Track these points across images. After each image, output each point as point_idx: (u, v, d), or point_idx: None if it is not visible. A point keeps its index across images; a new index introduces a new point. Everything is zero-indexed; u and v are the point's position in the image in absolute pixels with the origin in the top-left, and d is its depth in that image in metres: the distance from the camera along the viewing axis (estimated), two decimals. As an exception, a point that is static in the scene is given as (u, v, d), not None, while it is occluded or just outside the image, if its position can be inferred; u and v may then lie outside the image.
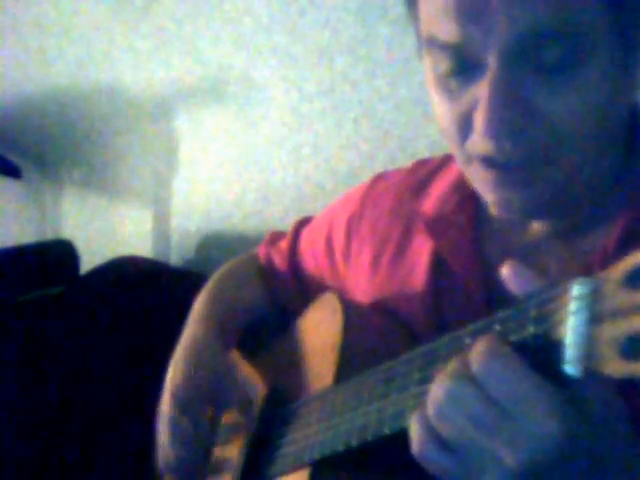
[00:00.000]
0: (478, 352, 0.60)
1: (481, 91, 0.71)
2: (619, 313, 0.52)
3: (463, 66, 0.72)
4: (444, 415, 0.61)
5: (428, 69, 0.77)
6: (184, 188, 1.92)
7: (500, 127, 0.71)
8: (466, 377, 0.60)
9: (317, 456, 0.81)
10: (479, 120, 0.71)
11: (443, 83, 0.75)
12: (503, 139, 0.71)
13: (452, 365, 0.62)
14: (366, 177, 1.07)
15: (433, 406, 0.62)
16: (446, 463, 0.62)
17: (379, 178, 1.04)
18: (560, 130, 0.71)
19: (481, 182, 0.77)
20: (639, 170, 0.80)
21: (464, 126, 0.74)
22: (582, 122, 0.72)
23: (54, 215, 2.19)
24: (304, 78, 1.66)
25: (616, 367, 0.52)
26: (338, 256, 1.04)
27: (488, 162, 0.74)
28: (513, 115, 0.71)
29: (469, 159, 0.76)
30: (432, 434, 0.62)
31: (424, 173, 0.98)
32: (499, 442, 0.59)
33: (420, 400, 0.65)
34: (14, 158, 2.10)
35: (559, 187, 0.75)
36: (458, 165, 0.81)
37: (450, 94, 0.75)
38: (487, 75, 0.70)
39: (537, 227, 0.83)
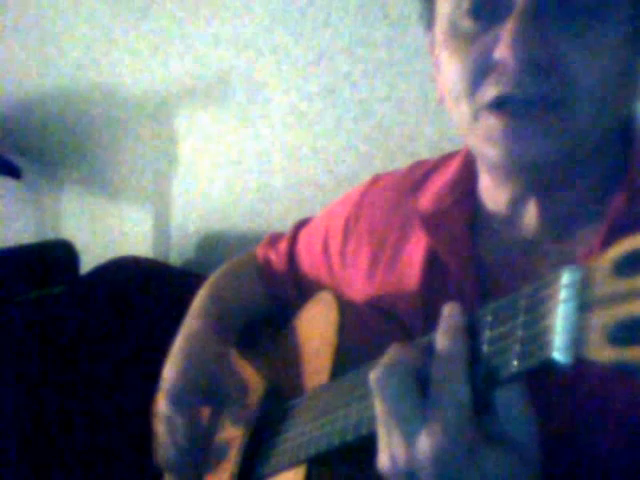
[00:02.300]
0: (441, 338, 0.65)
1: (507, 26, 0.72)
2: (608, 300, 0.53)
3: (488, 4, 0.74)
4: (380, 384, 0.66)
5: (442, 20, 0.79)
6: (184, 188, 1.92)
7: (523, 55, 0.71)
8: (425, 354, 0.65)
9: (313, 452, 0.82)
10: (504, 45, 0.72)
11: (459, 29, 0.76)
12: (525, 68, 0.72)
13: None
14: (366, 177, 1.07)
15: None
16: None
17: (376, 179, 1.05)
18: (576, 79, 0.72)
19: (488, 135, 0.76)
20: (626, 173, 0.81)
21: (480, 70, 0.75)
22: (597, 80, 0.73)
23: (54, 215, 2.19)
24: (304, 78, 1.66)
25: (605, 354, 0.52)
26: (335, 257, 1.04)
27: (502, 104, 0.74)
28: (536, 51, 0.72)
29: (477, 114, 0.76)
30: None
31: (421, 172, 0.98)
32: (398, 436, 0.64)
33: None
34: (14, 158, 2.10)
35: (564, 144, 0.75)
36: (463, 131, 0.80)
37: (465, 40, 0.76)
38: (514, 12, 0.72)
39: (531, 225, 0.83)
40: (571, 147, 0.75)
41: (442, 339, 0.64)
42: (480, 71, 0.75)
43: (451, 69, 0.77)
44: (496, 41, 0.73)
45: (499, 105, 0.74)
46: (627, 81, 0.77)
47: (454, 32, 0.77)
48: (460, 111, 0.78)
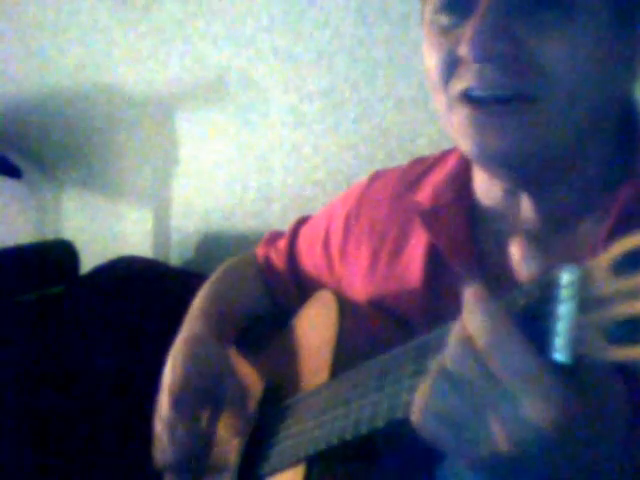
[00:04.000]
0: (483, 326, 0.58)
1: (471, 22, 0.73)
2: (607, 300, 0.52)
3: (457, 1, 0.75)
4: (446, 388, 0.60)
5: (425, 14, 0.80)
6: (184, 188, 1.92)
7: (484, 51, 0.72)
8: (469, 350, 0.59)
9: (312, 451, 0.82)
10: (465, 42, 0.73)
11: (435, 22, 0.78)
12: (486, 64, 0.73)
13: (455, 338, 0.60)
14: (365, 177, 1.07)
15: (434, 379, 0.61)
16: (443, 433, 0.61)
17: (376, 176, 1.05)
18: (546, 73, 0.73)
19: (460, 127, 0.77)
20: (631, 164, 0.80)
21: (450, 63, 0.76)
22: (569, 72, 0.73)
23: (54, 215, 2.19)
24: (304, 78, 1.66)
25: (605, 353, 0.52)
26: (335, 255, 1.04)
27: (468, 98, 0.75)
28: (500, 46, 0.72)
29: (451, 104, 0.77)
30: (434, 405, 0.61)
31: (420, 169, 0.99)
32: (494, 419, 0.58)
33: (414, 393, 0.65)
34: (14, 158, 2.10)
35: (537, 137, 0.75)
36: (441, 120, 0.81)
37: (440, 33, 0.77)
38: (480, 7, 0.73)
39: (529, 219, 0.83)
40: (546, 141, 0.75)
41: (484, 325, 0.59)
42: (450, 65, 0.77)
43: (429, 61, 0.79)
44: (463, 36, 0.74)
45: (468, 98, 0.76)
46: (615, 68, 0.76)
47: (432, 26, 0.79)
48: (439, 101, 0.80)
